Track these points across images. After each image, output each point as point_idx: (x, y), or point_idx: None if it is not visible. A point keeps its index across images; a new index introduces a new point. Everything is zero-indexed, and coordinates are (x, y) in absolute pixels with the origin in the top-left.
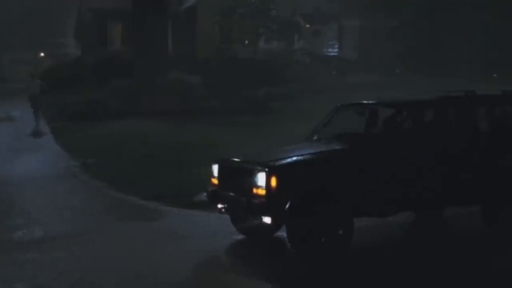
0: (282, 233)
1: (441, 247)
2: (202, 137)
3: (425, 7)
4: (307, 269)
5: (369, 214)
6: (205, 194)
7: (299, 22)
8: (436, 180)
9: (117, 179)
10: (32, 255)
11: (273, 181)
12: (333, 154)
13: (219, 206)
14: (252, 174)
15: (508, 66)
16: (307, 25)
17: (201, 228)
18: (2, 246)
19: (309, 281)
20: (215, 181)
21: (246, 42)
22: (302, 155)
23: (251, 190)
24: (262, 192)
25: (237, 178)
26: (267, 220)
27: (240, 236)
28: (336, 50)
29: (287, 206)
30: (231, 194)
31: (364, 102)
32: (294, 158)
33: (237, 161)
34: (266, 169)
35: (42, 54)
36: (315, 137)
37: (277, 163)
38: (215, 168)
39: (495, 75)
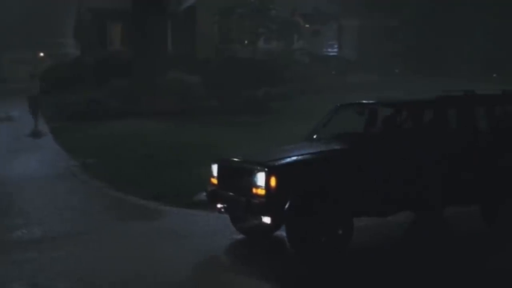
0: (282, 233)
1: (440, 247)
2: (201, 137)
3: (425, 7)
4: (307, 268)
5: (369, 214)
6: (204, 194)
7: (299, 22)
8: (435, 179)
9: (117, 179)
10: (32, 255)
11: (273, 181)
12: (333, 154)
13: (219, 206)
14: (252, 174)
15: (508, 66)
16: (307, 25)
17: (200, 228)
18: (1, 246)
19: (308, 281)
20: (214, 181)
21: (246, 42)
22: (301, 155)
23: (251, 190)
24: (261, 192)
25: (237, 178)
26: (266, 220)
27: (240, 236)
28: (335, 50)
29: (286, 206)
30: (231, 194)
31: (364, 101)
32: (294, 158)
33: (236, 161)
34: (266, 169)
35: (41, 54)
36: (314, 137)
37: (276, 163)
38: (215, 168)
39: (494, 75)
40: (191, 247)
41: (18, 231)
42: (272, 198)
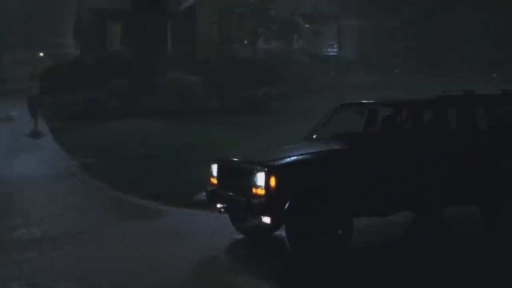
0: (281, 233)
1: (440, 247)
2: (201, 137)
3: (425, 7)
4: (307, 268)
5: (369, 213)
6: (204, 194)
7: (298, 22)
8: (435, 179)
9: (117, 179)
10: (31, 255)
11: (272, 181)
12: (332, 153)
13: (219, 205)
14: (252, 174)
15: (508, 66)
16: (306, 25)
17: (200, 228)
18: (1, 245)
19: (308, 281)
20: (214, 181)
21: (245, 42)
22: (301, 155)
23: (251, 190)
24: (261, 192)
25: (237, 178)
26: (266, 220)
27: (240, 236)
28: (335, 50)
29: (286, 206)
30: (231, 194)
31: (363, 101)
32: (293, 158)
33: (236, 161)
34: (266, 169)
35: (41, 54)
36: (314, 137)
37: (276, 163)
38: (215, 168)
39: (494, 75)
40: (191, 247)
41: (18, 231)
42: (272, 198)
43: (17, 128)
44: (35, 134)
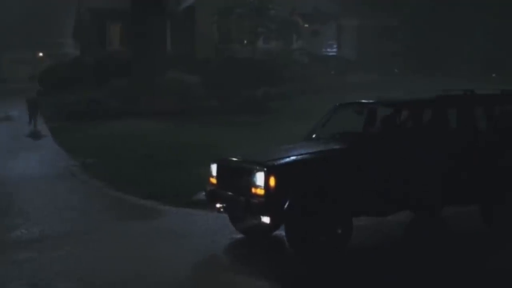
0: (281, 233)
1: (440, 247)
2: (201, 137)
3: (425, 7)
4: (306, 268)
5: (368, 213)
6: (204, 193)
7: (298, 22)
8: (435, 179)
9: (117, 179)
10: (31, 255)
11: (272, 181)
12: (332, 153)
13: (218, 205)
14: (251, 174)
15: (508, 66)
16: (306, 25)
17: (200, 228)
18: (1, 245)
19: (308, 280)
20: (213, 180)
21: (245, 42)
22: (300, 154)
23: (250, 190)
24: (260, 191)
25: (236, 177)
26: (265, 219)
27: (239, 236)
28: (335, 50)
29: (285, 205)
30: (230, 193)
31: (363, 101)
32: (293, 158)
33: (235, 161)
34: (265, 169)
35: (40, 54)
36: (313, 137)
37: (275, 163)
38: (214, 168)
39: (494, 75)
40: (191, 246)
41: (17, 231)
42: (271, 197)
43: (16, 128)
44: (35, 134)
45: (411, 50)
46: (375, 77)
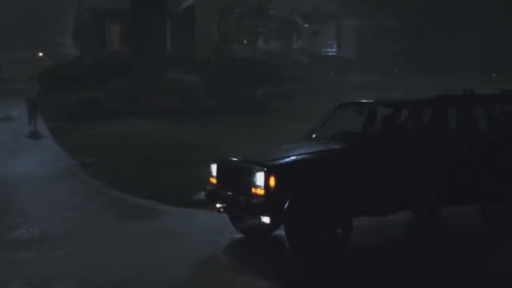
0: (281, 232)
1: (440, 247)
2: (201, 137)
3: (425, 7)
4: (306, 268)
5: (368, 213)
6: (203, 193)
7: (298, 22)
8: (434, 179)
9: (117, 179)
10: (31, 255)
11: (272, 181)
12: (332, 153)
13: (218, 205)
14: (251, 174)
15: (508, 66)
16: (306, 25)
17: (199, 228)
18: (1, 245)
19: (308, 280)
20: (213, 180)
21: (245, 42)
22: (300, 154)
23: (250, 190)
24: (260, 191)
25: (236, 177)
26: (265, 219)
27: (239, 235)
28: (335, 49)
29: (285, 205)
30: (230, 193)
31: (363, 101)
32: (293, 158)
33: (235, 161)
34: (265, 169)
35: (40, 54)
36: (313, 137)
37: (275, 163)
38: (214, 168)
39: (494, 75)
40: (190, 246)
41: (17, 230)
42: (271, 197)
43: (16, 128)
44: (35, 134)
45: (411, 50)
46: (375, 77)
